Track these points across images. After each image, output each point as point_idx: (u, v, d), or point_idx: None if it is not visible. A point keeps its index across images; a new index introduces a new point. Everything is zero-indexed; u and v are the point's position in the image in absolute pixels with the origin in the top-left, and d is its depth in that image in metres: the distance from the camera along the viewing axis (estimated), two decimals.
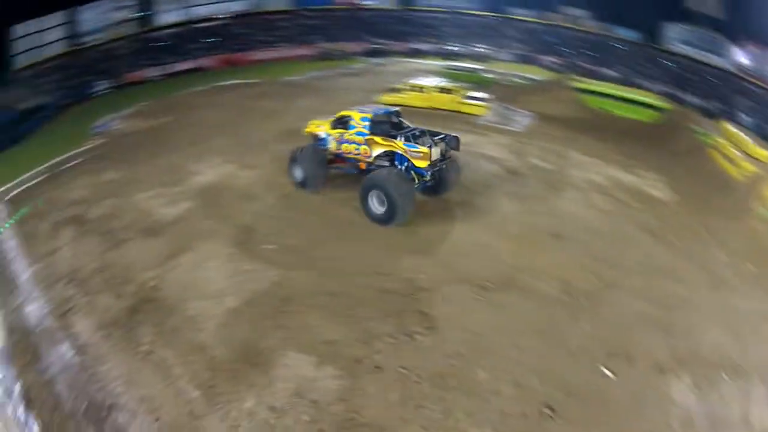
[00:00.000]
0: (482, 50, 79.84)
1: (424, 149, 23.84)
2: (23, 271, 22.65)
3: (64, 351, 17.42)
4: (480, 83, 53.32)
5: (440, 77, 50.30)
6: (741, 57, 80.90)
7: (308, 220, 25.06)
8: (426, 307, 18.88)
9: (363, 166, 26.20)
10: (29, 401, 15.70)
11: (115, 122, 45.59)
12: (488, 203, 27.09)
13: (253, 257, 22.01)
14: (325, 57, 75.83)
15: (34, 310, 19.92)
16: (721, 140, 40.12)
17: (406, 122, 27.43)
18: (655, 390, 16.15)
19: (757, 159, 36.34)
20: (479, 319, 18.42)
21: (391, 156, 25.22)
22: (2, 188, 31.79)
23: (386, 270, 21.08)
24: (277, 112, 42.87)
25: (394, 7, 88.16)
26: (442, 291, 19.86)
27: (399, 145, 24.59)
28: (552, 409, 15.07)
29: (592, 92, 49.85)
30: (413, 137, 25.04)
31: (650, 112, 48.60)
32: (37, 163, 35.65)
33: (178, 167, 31.99)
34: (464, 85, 47.00)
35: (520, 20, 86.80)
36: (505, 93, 50.20)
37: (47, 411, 15.37)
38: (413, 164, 24.25)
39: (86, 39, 70.08)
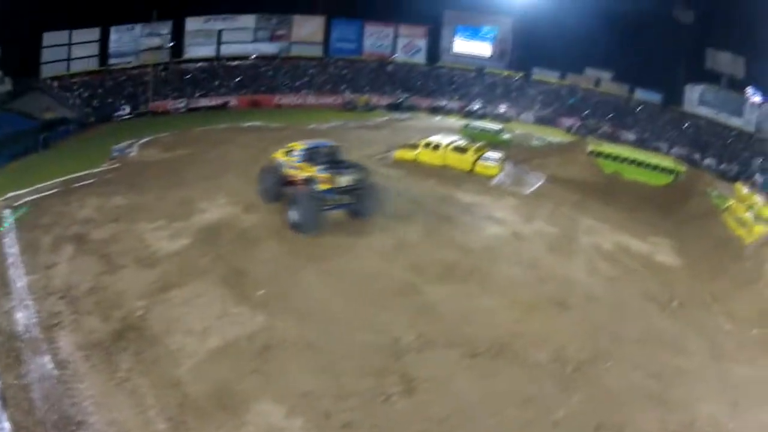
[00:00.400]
0: (504, 110, 79.68)
1: (327, 176, 27.89)
2: (19, 278, 22.85)
3: (45, 362, 17.65)
4: (498, 143, 52.91)
5: (458, 136, 49.61)
6: (762, 116, 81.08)
7: (303, 268, 24.30)
8: (410, 368, 18.08)
9: (301, 186, 29.09)
10: (5, 400, 15.84)
11: (134, 148, 46.24)
12: (492, 267, 26.15)
13: (242, 300, 21.51)
14: (349, 107, 76.18)
15: (23, 317, 20.06)
16: (734, 203, 38.69)
17: (341, 156, 30.81)
18: None
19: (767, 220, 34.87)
20: (463, 386, 17.58)
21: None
22: (14, 194, 32.41)
23: (377, 327, 20.36)
24: None
25: (422, 63, 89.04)
26: (430, 353, 19.10)
27: (313, 171, 28.29)
28: None
29: (608, 156, 48.90)
30: (330, 167, 28.59)
31: (665, 175, 47.20)
32: (52, 175, 36.40)
33: (185, 202, 31.66)
34: (480, 145, 45.96)
35: (544, 82, 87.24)
36: (521, 154, 49.51)
37: (21, 413, 15.45)
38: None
39: (116, 60, 71.64)
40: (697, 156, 75.91)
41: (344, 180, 28.35)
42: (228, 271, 23.63)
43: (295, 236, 26.97)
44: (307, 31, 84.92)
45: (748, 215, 35.48)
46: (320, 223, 27.63)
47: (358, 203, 29.33)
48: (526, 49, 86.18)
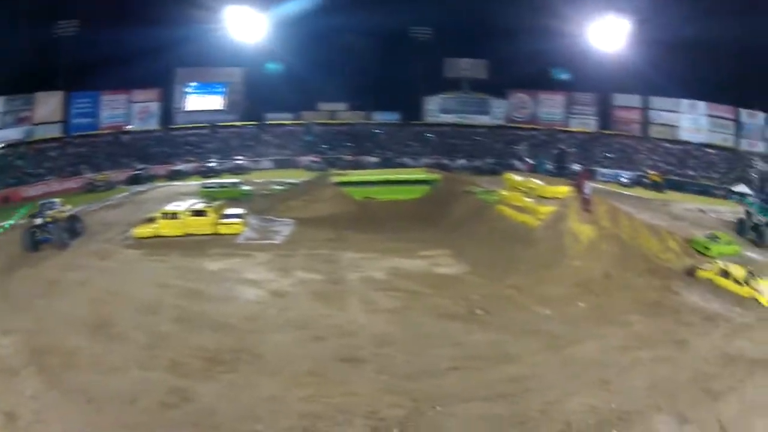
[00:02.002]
0: (242, 162, 77.35)
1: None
2: None
3: None
4: (239, 197, 50.34)
5: (197, 198, 45.65)
6: (511, 108, 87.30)
7: (61, 397, 19.80)
8: None
9: None
10: None
11: None
12: (260, 341, 22.23)
13: None
14: (91, 189, 68.99)
15: None
16: (507, 193, 38.33)
17: (60, 207, 39.68)
18: None
19: (555, 198, 34.79)
20: None
21: None
22: None
23: None
24: None
25: (156, 129, 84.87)
26: None
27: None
28: None
29: (355, 183, 47.92)
30: (39, 213, 38.06)
31: (421, 187, 47.58)
32: None
33: None
34: (221, 203, 42.39)
35: (279, 125, 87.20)
36: (264, 203, 47.24)
37: None
38: None
39: None
40: (446, 161, 78.30)
41: (38, 220, 36.99)
42: None
43: (53, 361, 22.29)
44: (48, 110, 78.48)
45: (528, 200, 35.33)
46: (31, 245, 35.75)
47: (54, 236, 36.75)
48: (259, 96, 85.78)
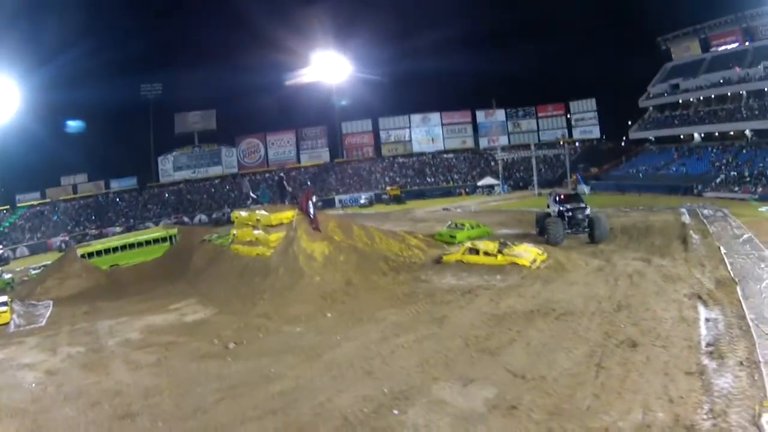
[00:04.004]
0: (1, 251, 73.23)
1: None
2: None
3: None
4: (4, 287, 48.90)
5: None
6: (242, 154, 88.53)
7: None
8: None
9: None
10: None
11: None
12: (46, 419, 21.19)
13: None
14: None
15: None
16: (237, 231, 39.50)
17: None
18: None
19: (282, 223, 36.41)
20: None
21: None
22: None
23: None
24: None
25: None
26: None
27: None
28: None
29: (99, 252, 48.27)
30: None
31: (161, 245, 48.98)
32: None
33: None
34: None
35: (29, 205, 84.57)
36: (24, 290, 45.70)
37: None
38: None
39: None
40: (186, 218, 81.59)
41: None
42: None
43: None
44: None
45: (257, 233, 36.44)
46: None
47: None
48: (9, 177, 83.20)
